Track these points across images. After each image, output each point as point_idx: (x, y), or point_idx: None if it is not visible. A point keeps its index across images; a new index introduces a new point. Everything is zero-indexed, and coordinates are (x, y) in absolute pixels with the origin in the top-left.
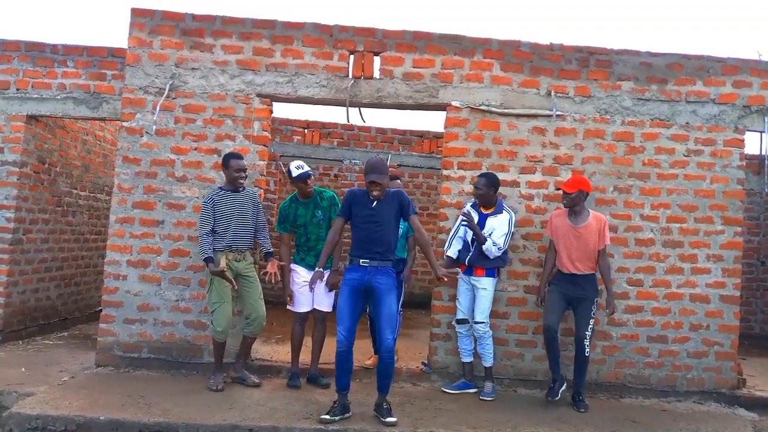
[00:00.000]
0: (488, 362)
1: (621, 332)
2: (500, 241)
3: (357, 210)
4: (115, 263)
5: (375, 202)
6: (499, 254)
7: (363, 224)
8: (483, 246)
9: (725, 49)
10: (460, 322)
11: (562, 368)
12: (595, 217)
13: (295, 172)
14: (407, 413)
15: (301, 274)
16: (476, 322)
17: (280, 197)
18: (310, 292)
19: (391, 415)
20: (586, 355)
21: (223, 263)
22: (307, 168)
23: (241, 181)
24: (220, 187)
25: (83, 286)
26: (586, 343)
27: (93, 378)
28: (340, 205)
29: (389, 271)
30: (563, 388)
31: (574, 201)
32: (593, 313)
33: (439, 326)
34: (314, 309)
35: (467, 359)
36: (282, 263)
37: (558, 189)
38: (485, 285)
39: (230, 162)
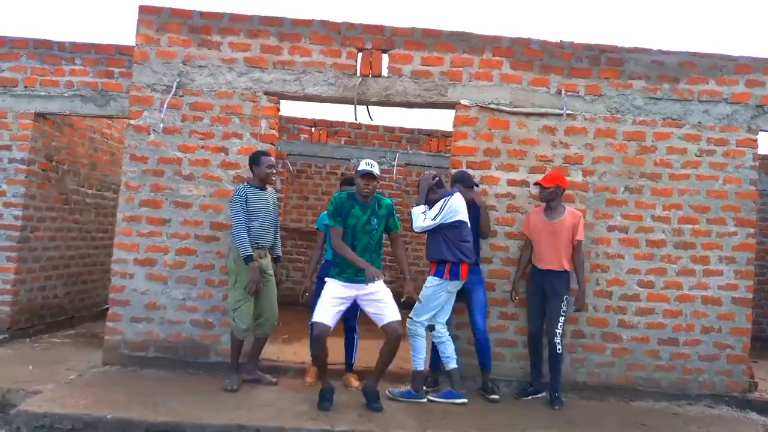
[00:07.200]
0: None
1: (631, 335)
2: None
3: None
4: (122, 261)
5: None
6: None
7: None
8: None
9: (738, 47)
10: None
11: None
12: (570, 213)
13: (361, 167)
14: (414, 415)
15: (339, 290)
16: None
17: (287, 196)
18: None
19: (494, 393)
20: (558, 351)
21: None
22: (375, 169)
23: (273, 178)
24: (248, 183)
25: (90, 284)
26: (557, 340)
27: (100, 376)
28: (395, 214)
29: (476, 269)
30: (537, 396)
31: (551, 196)
32: (563, 311)
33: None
34: (387, 324)
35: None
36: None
37: (536, 184)
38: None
39: (261, 159)
